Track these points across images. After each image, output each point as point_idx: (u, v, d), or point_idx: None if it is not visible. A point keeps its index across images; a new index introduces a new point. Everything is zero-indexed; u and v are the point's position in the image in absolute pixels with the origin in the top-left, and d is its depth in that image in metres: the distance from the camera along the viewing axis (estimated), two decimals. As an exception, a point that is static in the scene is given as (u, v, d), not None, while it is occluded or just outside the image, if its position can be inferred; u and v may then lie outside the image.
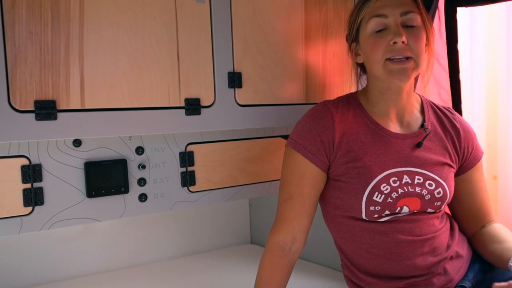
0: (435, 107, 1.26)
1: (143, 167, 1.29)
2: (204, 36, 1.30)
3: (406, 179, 1.14)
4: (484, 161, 1.31)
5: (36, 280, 1.56)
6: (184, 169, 1.36)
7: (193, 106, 1.29)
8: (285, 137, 1.53)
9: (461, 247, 1.21)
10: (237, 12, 1.35)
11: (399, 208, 1.13)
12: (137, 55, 1.19)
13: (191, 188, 1.37)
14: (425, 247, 1.14)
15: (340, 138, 1.16)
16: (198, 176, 1.38)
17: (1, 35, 1.02)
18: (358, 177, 1.14)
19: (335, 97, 1.26)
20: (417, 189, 1.14)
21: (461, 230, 1.27)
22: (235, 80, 1.35)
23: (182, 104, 1.27)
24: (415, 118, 1.22)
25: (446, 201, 1.18)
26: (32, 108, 1.07)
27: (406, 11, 1.11)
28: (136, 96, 1.20)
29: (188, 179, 1.36)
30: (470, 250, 1.25)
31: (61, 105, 1.10)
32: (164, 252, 1.83)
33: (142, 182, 1.29)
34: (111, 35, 1.16)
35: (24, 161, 1.13)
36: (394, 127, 1.20)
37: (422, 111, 1.24)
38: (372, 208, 1.13)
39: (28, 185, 1.13)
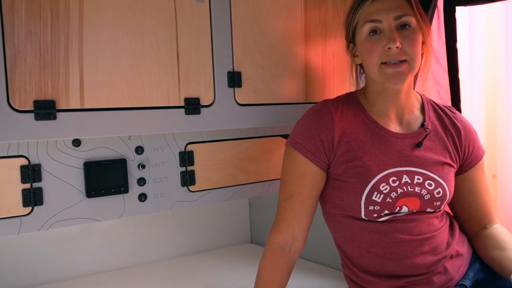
0: (435, 106, 1.26)
1: (143, 166, 1.29)
2: (203, 35, 1.30)
3: (405, 178, 1.14)
4: (483, 159, 1.31)
5: (36, 280, 1.56)
6: (184, 169, 1.36)
7: (192, 106, 1.29)
8: (285, 136, 1.53)
9: (461, 245, 1.21)
10: (236, 11, 1.35)
11: (398, 208, 1.13)
12: (137, 55, 1.19)
13: (191, 188, 1.37)
14: (425, 246, 1.14)
15: (340, 137, 1.16)
16: (198, 176, 1.38)
17: (1, 35, 1.02)
18: (357, 176, 1.14)
19: (334, 96, 1.26)
20: (417, 189, 1.14)
21: (462, 229, 1.27)
22: (234, 79, 1.35)
23: (182, 104, 1.27)
24: (415, 117, 1.22)
25: (446, 201, 1.18)
26: (32, 108, 1.07)
27: (400, 15, 1.11)
28: (136, 96, 1.20)
29: (188, 179, 1.36)
30: (471, 248, 1.25)
31: (61, 105, 1.10)
32: (164, 252, 1.83)
33: (141, 182, 1.29)
34: (110, 35, 1.15)
35: (24, 161, 1.13)
36: (394, 127, 1.20)
37: (423, 110, 1.24)
38: (371, 207, 1.13)
39: (28, 185, 1.13)
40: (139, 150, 1.29)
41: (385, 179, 1.13)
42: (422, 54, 1.17)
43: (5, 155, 1.10)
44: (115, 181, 1.24)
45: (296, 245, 1.17)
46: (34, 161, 1.14)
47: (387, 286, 1.16)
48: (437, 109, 1.26)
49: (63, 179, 1.18)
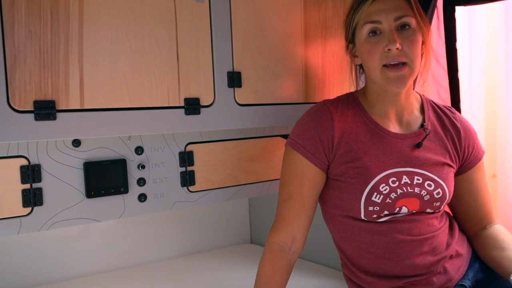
0: (435, 106, 1.26)
1: (143, 167, 1.29)
2: (203, 35, 1.30)
3: (405, 179, 1.14)
4: (483, 159, 1.31)
5: (36, 280, 1.56)
6: (183, 169, 1.36)
7: (192, 106, 1.29)
8: (284, 136, 1.53)
9: (461, 246, 1.21)
10: (236, 11, 1.35)
11: (398, 209, 1.13)
12: (137, 55, 1.19)
13: (190, 188, 1.37)
14: (425, 247, 1.14)
15: (340, 137, 1.16)
16: (197, 176, 1.38)
17: (1, 35, 1.02)
18: (357, 177, 1.14)
19: (334, 97, 1.26)
20: (416, 190, 1.14)
21: (462, 229, 1.27)
22: (234, 79, 1.35)
23: (182, 104, 1.27)
24: (415, 117, 1.22)
25: (446, 201, 1.18)
26: (32, 108, 1.06)
27: (400, 16, 1.11)
28: (136, 96, 1.20)
29: (187, 179, 1.36)
30: (470, 249, 1.25)
31: (61, 105, 1.10)
32: (164, 252, 1.83)
33: (141, 182, 1.29)
34: (110, 35, 1.15)
35: (23, 161, 1.12)
36: (394, 127, 1.20)
37: (422, 111, 1.24)
38: (371, 208, 1.13)
39: (27, 186, 1.12)
40: (139, 150, 1.29)
41: (385, 179, 1.13)
42: (422, 55, 1.17)
43: (5, 155, 1.10)
44: (115, 181, 1.24)
45: (296, 245, 1.17)
46: (34, 161, 1.14)
47: (386, 287, 1.16)
48: (437, 109, 1.26)
49: (63, 180, 1.18)
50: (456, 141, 1.22)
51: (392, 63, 1.11)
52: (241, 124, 1.39)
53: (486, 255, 1.21)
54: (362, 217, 1.14)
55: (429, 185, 1.15)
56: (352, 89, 1.31)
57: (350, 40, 1.21)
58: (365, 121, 1.19)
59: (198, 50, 1.29)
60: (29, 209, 1.13)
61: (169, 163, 1.34)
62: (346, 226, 1.19)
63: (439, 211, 1.19)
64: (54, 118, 1.09)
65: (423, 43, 1.16)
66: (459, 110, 1.48)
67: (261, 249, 1.42)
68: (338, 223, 1.21)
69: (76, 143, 1.20)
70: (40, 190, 1.14)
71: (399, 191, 1.13)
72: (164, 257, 1.83)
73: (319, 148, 1.16)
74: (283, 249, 1.16)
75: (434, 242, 1.15)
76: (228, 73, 1.35)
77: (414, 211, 1.15)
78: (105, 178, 1.22)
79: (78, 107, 1.12)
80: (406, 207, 1.14)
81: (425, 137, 1.19)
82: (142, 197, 1.29)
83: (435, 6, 1.45)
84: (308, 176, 1.17)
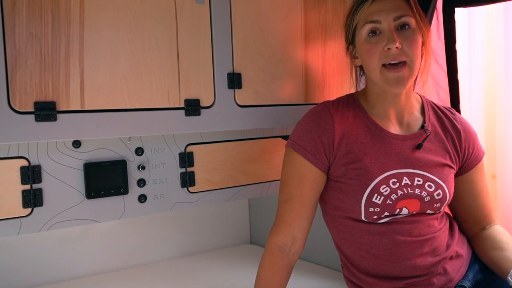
0: (435, 107, 1.26)
1: (143, 168, 1.29)
2: (203, 37, 1.30)
3: (405, 180, 1.14)
4: (483, 160, 1.31)
5: (36, 281, 1.56)
6: (183, 170, 1.36)
7: (192, 107, 1.29)
8: (285, 137, 1.53)
9: (461, 246, 1.22)
10: (236, 13, 1.35)
11: (398, 210, 1.13)
12: (137, 56, 1.19)
13: (190, 189, 1.37)
14: (425, 248, 1.14)
15: (340, 139, 1.16)
16: (197, 177, 1.38)
17: (1, 36, 1.02)
18: (357, 178, 1.14)
19: (334, 98, 1.27)
20: (417, 191, 1.14)
21: (462, 230, 1.27)
22: (234, 80, 1.35)
23: (182, 105, 1.27)
24: (415, 118, 1.22)
25: (446, 202, 1.18)
26: (32, 110, 1.06)
27: (400, 15, 1.11)
28: (136, 97, 1.20)
29: (187, 180, 1.36)
30: (470, 249, 1.25)
31: (61, 106, 1.10)
32: (164, 253, 1.83)
33: (141, 183, 1.29)
34: (111, 36, 1.16)
35: (24, 162, 1.13)
36: (394, 128, 1.20)
37: (423, 112, 1.24)
38: (371, 209, 1.13)
39: (27, 186, 1.13)
40: (139, 151, 1.29)
41: (385, 181, 1.13)
42: (421, 55, 1.17)
43: (5, 156, 1.10)
44: (115, 182, 1.24)
45: (296, 246, 1.17)
46: (34, 162, 1.14)
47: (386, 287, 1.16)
48: (437, 111, 1.26)
49: (63, 180, 1.18)
50: (457, 142, 1.22)
51: (392, 62, 1.11)
52: (241, 125, 1.39)
53: (485, 255, 1.21)
54: (363, 218, 1.15)
55: (430, 186, 1.15)
56: (352, 91, 1.31)
57: (350, 41, 1.21)
58: (366, 123, 1.19)
59: (199, 51, 1.29)
60: (29, 209, 1.13)
61: (169, 164, 1.34)
62: (346, 227, 1.19)
63: (439, 212, 1.19)
64: (55, 119, 1.09)
65: (423, 43, 1.16)
66: (458, 111, 1.48)
67: (261, 249, 1.43)
68: (338, 224, 1.21)
69: (77, 144, 1.20)
70: (40, 191, 1.14)
71: (399, 192, 1.13)
72: (164, 257, 1.83)
73: (320, 149, 1.16)
74: (283, 250, 1.17)
75: (435, 243, 1.16)
76: (228, 74, 1.35)
77: (414, 212, 1.15)
78: (105, 179, 1.22)
79: (79, 108, 1.12)
80: (406, 208, 1.14)
81: (425, 138, 1.19)
82: (142, 198, 1.29)
83: (434, 7, 1.45)
84: (309, 177, 1.17)
